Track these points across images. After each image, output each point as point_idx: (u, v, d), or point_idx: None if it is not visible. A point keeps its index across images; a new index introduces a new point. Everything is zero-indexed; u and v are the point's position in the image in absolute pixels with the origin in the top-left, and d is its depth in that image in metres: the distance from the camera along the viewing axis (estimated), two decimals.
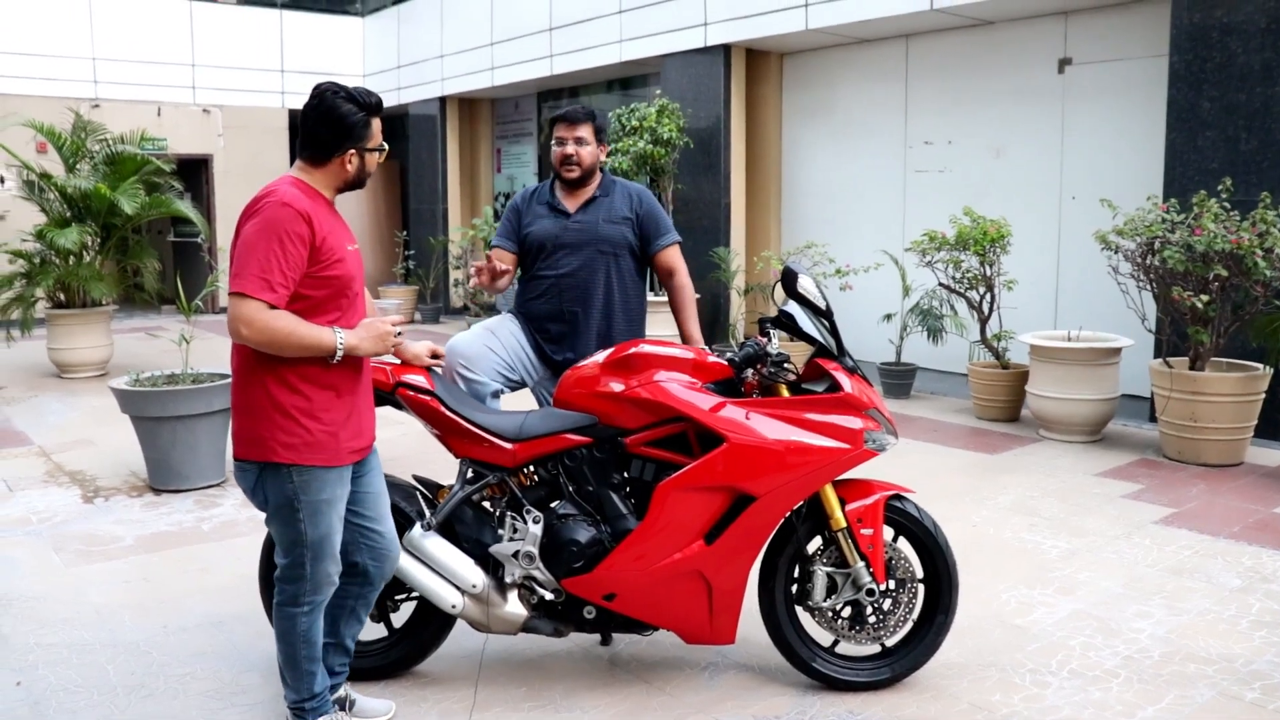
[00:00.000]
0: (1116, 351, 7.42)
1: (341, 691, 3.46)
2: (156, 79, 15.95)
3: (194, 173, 16.43)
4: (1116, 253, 7.14)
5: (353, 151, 3.12)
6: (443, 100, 15.83)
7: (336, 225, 3.13)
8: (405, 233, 17.09)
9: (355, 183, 3.21)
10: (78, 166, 10.89)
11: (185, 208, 11.07)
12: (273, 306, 2.92)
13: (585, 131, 4.33)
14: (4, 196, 14.34)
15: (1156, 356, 7.31)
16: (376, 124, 3.15)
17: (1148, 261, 6.92)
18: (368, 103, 3.11)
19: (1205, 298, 6.55)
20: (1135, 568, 4.94)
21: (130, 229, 11.16)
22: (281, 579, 3.18)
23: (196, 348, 6.74)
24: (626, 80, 13.61)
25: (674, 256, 4.49)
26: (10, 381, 10.42)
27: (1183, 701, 3.63)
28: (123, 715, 3.58)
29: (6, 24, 14.72)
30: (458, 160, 16.23)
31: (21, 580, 4.89)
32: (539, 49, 13.47)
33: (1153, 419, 7.45)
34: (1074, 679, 3.81)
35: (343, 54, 17.41)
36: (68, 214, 10.66)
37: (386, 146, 3.24)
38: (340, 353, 3.02)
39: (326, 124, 3.07)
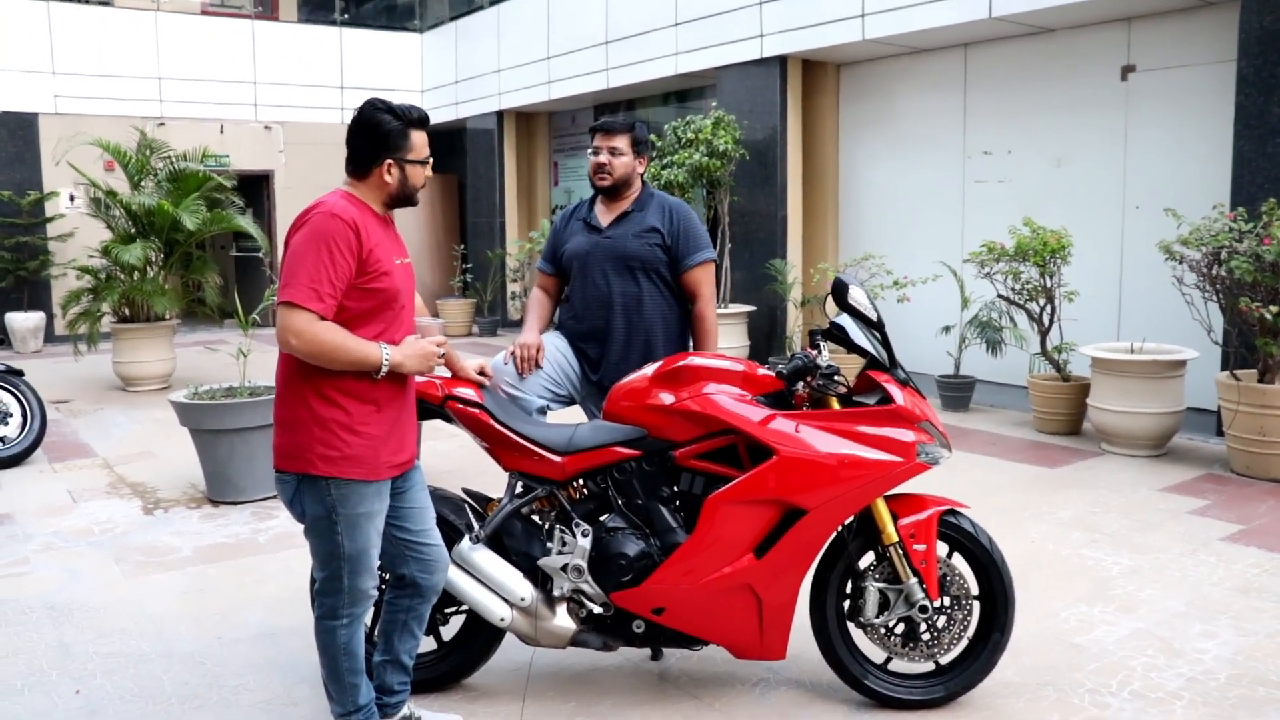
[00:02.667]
0: (1181, 364, 7.25)
1: (406, 709, 3.46)
2: (219, 97, 16.25)
3: (255, 188, 16.70)
4: (1181, 263, 6.99)
5: (390, 162, 3.11)
6: (500, 114, 15.93)
7: (385, 238, 3.13)
8: (463, 246, 17.22)
9: (401, 196, 3.20)
10: (142, 184, 11.11)
11: (246, 223, 11.24)
12: (321, 317, 2.93)
13: (621, 142, 4.31)
14: (73, 214, 14.69)
15: (1223, 369, 7.14)
16: (418, 136, 3.15)
17: (1214, 272, 6.76)
18: (407, 115, 3.11)
19: (1275, 308, 6.38)
20: (1201, 586, 4.81)
21: (192, 244, 11.36)
22: (320, 592, 3.19)
23: (255, 361, 6.82)
24: (683, 93, 13.60)
25: (699, 278, 4.29)
26: (77, 394, 10.64)
27: None
28: None
29: (78, 47, 15.08)
30: (515, 174, 16.33)
31: (83, 590, 4.97)
32: (595, 62, 13.52)
33: (1219, 433, 7.27)
34: (1135, 700, 3.70)
35: (401, 70, 17.61)
36: (132, 230, 10.87)
37: (430, 159, 3.22)
38: (385, 369, 3.03)
39: (364, 136, 3.09)
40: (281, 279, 2.98)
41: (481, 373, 3.77)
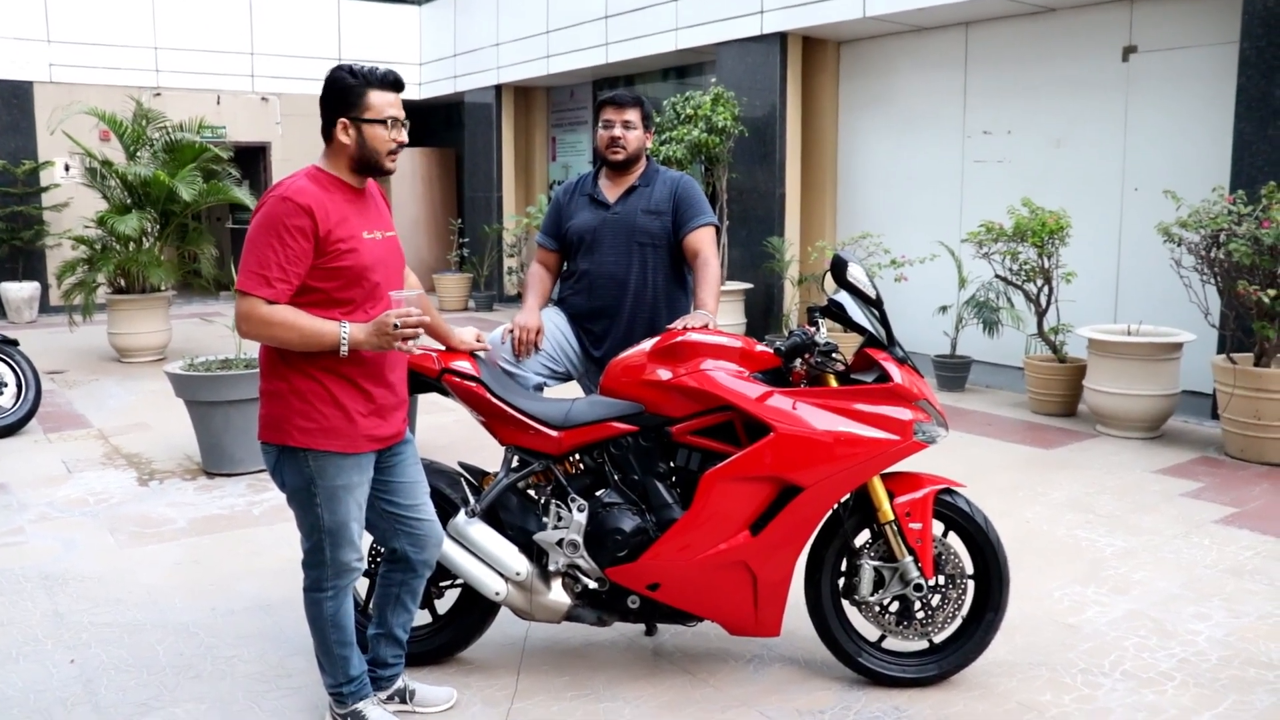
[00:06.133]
0: (1178, 346, 7.26)
1: (400, 682, 3.47)
2: (216, 68, 16.16)
3: (252, 160, 16.64)
4: (1179, 245, 6.98)
5: (345, 122, 3.02)
6: (498, 89, 15.86)
7: (353, 213, 3.06)
8: (460, 220, 17.16)
9: (362, 160, 3.07)
10: (138, 154, 11.06)
11: (242, 194, 11.18)
12: (272, 302, 2.91)
13: (633, 115, 4.27)
14: (68, 184, 14.62)
15: (1220, 352, 7.14)
16: (378, 96, 3.03)
17: (1212, 254, 6.75)
18: (366, 75, 3.03)
19: (1273, 292, 6.38)
20: (1193, 568, 4.83)
21: (189, 215, 11.32)
22: (305, 564, 3.19)
23: None
24: (682, 68, 13.55)
25: (701, 239, 4.22)
26: (72, 365, 10.62)
27: (1241, 707, 3.53)
28: (171, 695, 3.63)
29: (73, 16, 14.97)
30: (513, 148, 16.26)
31: (78, 560, 4.97)
32: (594, 37, 13.45)
33: (1214, 416, 7.28)
34: (1127, 680, 3.72)
35: (399, 42, 17.51)
36: (128, 201, 10.83)
37: (397, 121, 3.06)
38: (344, 347, 2.96)
39: (325, 96, 3.05)
40: (239, 265, 2.96)
41: (479, 340, 3.74)
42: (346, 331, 2.96)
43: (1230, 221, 6.61)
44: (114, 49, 15.30)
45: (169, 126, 11.28)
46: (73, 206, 14.37)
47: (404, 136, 3.11)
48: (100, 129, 12.58)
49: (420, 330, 2.97)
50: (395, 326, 2.92)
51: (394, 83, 3.08)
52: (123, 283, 10.90)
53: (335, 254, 2.98)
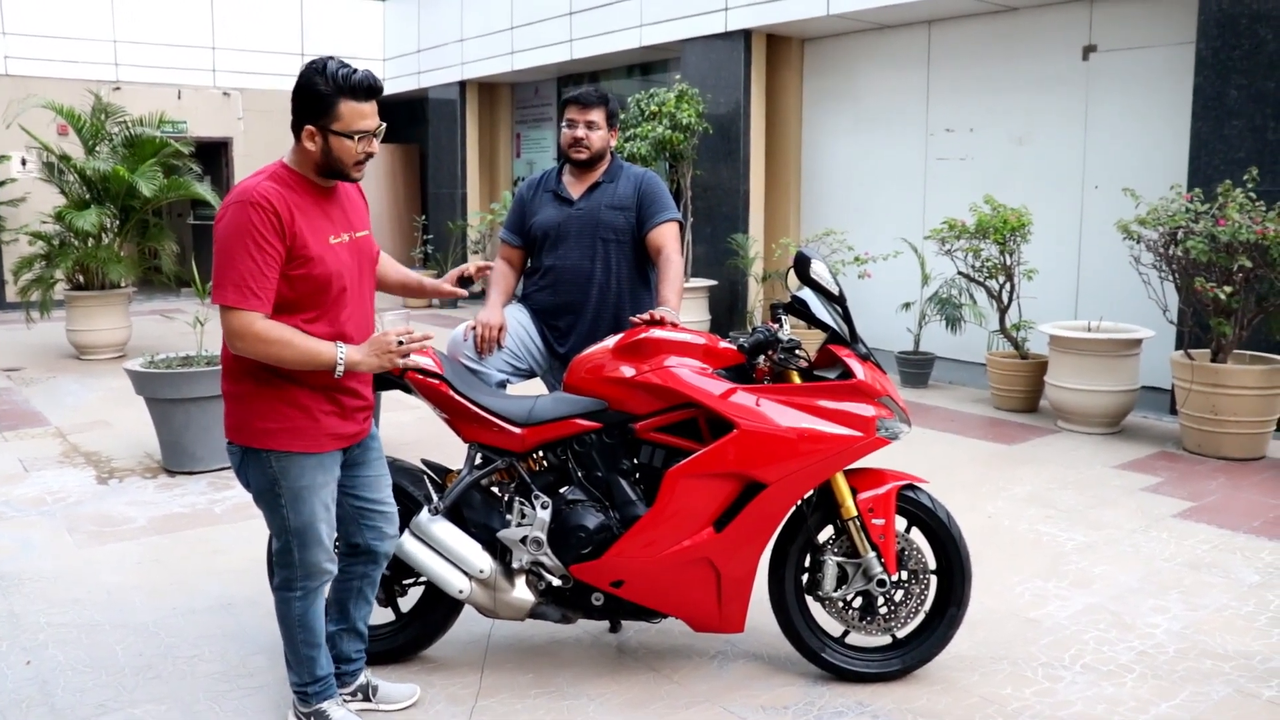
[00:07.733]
0: (1137, 343, 7.34)
1: (363, 678, 3.46)
2: (177, 62, 15.96)
3: (214, 156, 16.46)
4: (1139, 243, 7.05)
5: (310, 128, 2.92)
6: (462, 84, 15.78)
7: (319, 216, 2.99)
8: (424, 217, 17.07)
9: (329, 170, 2.99)
10: (97, 149, 10.92)
11: (204, 190, 11.07)
12: (265, 315, 2.85)
13: (597, 115, 4.27)
14: (25, 178, 14.41)
15: (1178, 348, 7.23)
16: (349, 106, 2.89)
17: (1170, 252, 6.83)
18: (339, 80, 2.88)
19: (1228, 289, 6.46)
20: (1152, 562, 4.88)
21: (149, 211, 11.20)
22: (275, 563, 3.18)
23: (211, 329, 6.69)
24: (647, 65, 13.54)
25: (665, 235, 4.21)
26: (29, 362, 10.48)
27: (1197, 698, 3.58)
28: (130, 696, 3.59)
29: (29, 7, 14.75)
30: (477, 145, 16.18)
31: (34, 560, 4.90)
32: (559, 33, 13.41)
33: (1173, 411, 7.36)
34: (1087, 673, 3.76)
35: (363, 37, 17.37)
36: (87, 196, 10.69)
37: (369, 133, 2.96)
38: (340, 368, 2.93)
39: (295, 95, 2.94)
40: (214, 276, 2.85)
41: (462, 278, 3.74)
42: (344, 355, 2.93)
43: (1188, 219, 6.69)
44: (72, 41, 15.09)
45: (128, 121, 11.15)
46: (30, 202, 14.12)
47: (374, 148, 3.00)
48: (58, 123, 12.39)
49: (425, 345, 3.06)
50: (400, 343, 2.95)
51: (369, 89, 2.93)
52: (81, 279, 10.76)
53: (301, 260, 2.91)
